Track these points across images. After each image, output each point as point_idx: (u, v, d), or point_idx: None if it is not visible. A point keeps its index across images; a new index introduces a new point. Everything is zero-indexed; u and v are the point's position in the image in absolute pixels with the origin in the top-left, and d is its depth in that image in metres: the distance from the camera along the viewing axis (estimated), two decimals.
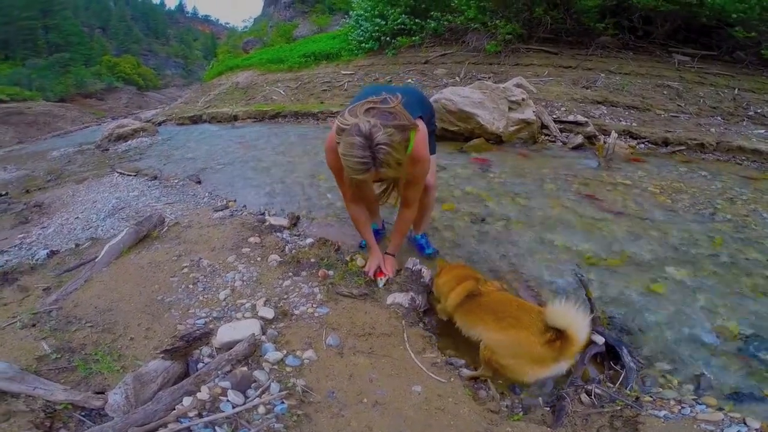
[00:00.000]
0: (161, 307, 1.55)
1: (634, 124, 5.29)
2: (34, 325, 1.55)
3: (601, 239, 2.35)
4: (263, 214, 2.54)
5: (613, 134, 4.60)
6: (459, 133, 4.46)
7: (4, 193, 4.61)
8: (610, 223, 2.56)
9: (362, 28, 9.31)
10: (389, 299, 1.58)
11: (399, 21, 8.75)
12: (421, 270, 1.73)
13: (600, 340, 1.50)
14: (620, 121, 5.37)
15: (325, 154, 1.67)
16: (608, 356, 1.50)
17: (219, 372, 1.24)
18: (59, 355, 1.39)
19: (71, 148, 7.60)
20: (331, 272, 1.78)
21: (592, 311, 1.62)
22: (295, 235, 2.20)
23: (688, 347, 1.58)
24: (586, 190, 3.10)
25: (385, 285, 1.71)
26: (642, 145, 4.84)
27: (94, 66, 36.69)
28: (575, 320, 1.11)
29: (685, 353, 1.55)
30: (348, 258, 1.96)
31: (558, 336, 1.13)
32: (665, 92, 6.12)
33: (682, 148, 4.72)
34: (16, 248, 2.73)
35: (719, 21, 6.32)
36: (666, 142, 4.84)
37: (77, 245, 2.53)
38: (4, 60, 31.80)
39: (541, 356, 1.15)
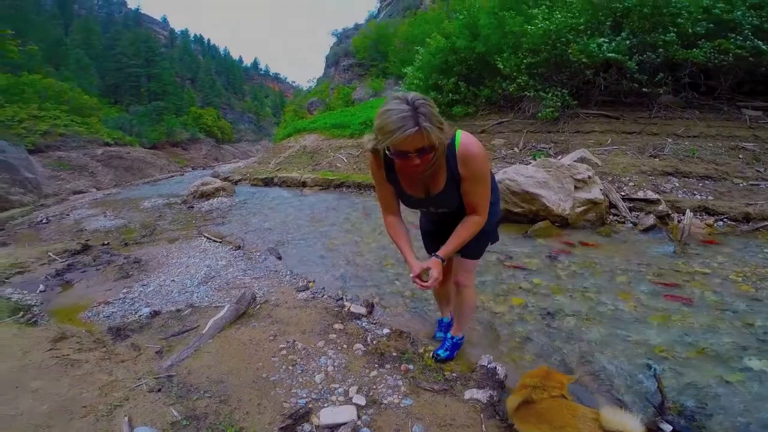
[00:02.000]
0: (267, 385, 1.90)
1: (709, 197, 5.11)
2: (159, 390, 1.94)
3: (677, 332, 2.41)
4: (341, 299, 2.95)
5: (688, 213, 4.47)
6: (523, 215, 4.57)
7: (106, 243, 5.50)
8: (687, 315, 2.60)
9: None
10: (467, 395, 1.80)
11: (453, 88, 9.35)
12: (495, 368, 1.94)
13: (668, 428, 1.64)
14: (694, 194, 5.23)
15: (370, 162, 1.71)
16: None
17: None
18: (188, 422, 1.74)
19: (160, 200, 8.92)
20: (411, 366, 2.06)
21: (662, 401, 1.75)
22: (373, 323, 2.55)
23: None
24: (660, 282, 3.12)
25: (431, 285, 1.64)
26: (720, 223, 4.64)
27: (182, 116, 41.22)
28: (630, 423, 1.25)
29: None
30: (422, 350, 2.24)
31: None
32: (740, 156, 5.89)
33: (767, 223, 4.45)
34: (120, 302, 3.29)
35: None
36: (747, 218, 4.60)
37: (178, 310, 3.03)
38: (114, 104, 36.92)
39: None
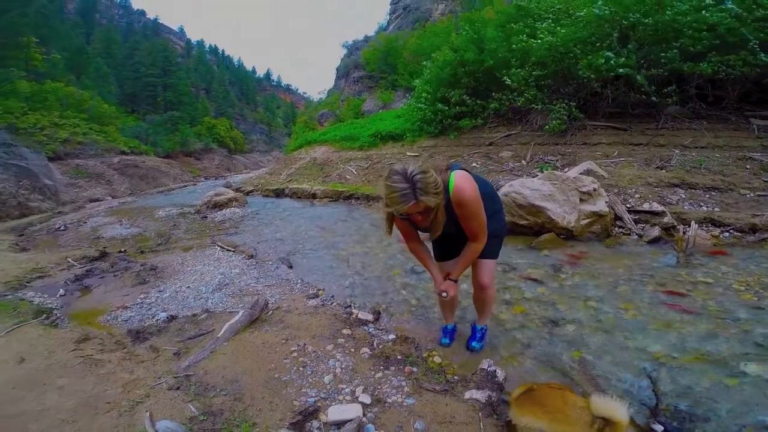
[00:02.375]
0: (279, 384, 2.02)
1: (716, 209, 5.10)
2: (178, 388, 2.06)
3: (676, 340, 2.47)
4: (350, 306, 3.08)
5: (693, 225, 4.51)
6: (528, 227, 4.65)
7: (123, 250, 5.71)
8: (687, 324, 2.66)
9: (423, 111, 10.25)
10: (467, 395, 1.90)
11: (460, 101, 9.49)
12: (495, 371, 2.03)
13: (660, 428, 1.72)
14: (700, 206, 5.23)
15: None
16: None
17: None
18: (205, 418, 1.86)
19: (174, 209, 9.17)
20: (414, 369, 2.17)
21: (656, 403, 1.85)
22: (379, 329, 2.67)
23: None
24: (662, 293, 3.17)
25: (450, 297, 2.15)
26: (726, 234, 4.63)
27: (196, 126, 41.74)
28: (616, 408, 1.34)
29: None
30: (426, 354, 2.36)
31: (605, 423, 1.36)
32: (748, 166, 5.86)
33: None
34: (138, 306, 3.44)
35: None
36: (754, 229, 4.58)
37: (194, 315, 3.17)
38: (131, 113, 37.43)
39: None
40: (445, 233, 2.00)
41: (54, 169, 15.62)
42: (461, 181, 1.88)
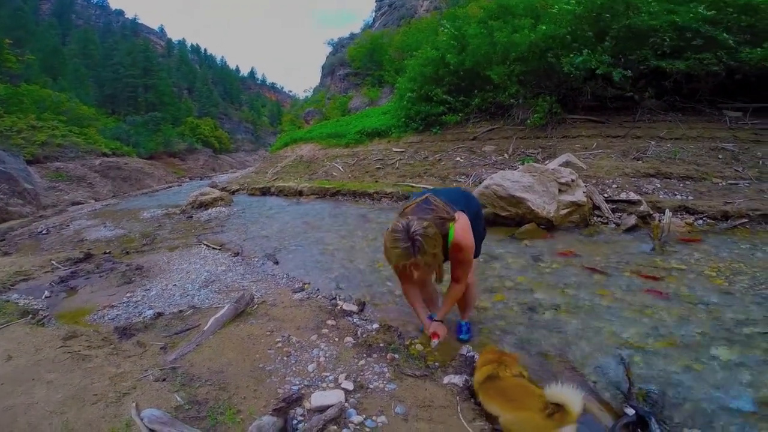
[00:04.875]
0: (263, 374, 2.07)
1: (690, 197, 5.29)
2: (164, 380, 2.10)
3: (649, 325, 2.57)
4: (335, 298, 3.13)
5: (668, 213, 4.66)
6: (510, 218, 4.76)
7: (108, 251, 5.66)
8: (660, 309, 2.76)
9: (408, 109, 10.33)
10: (446, 380, 1.98)
11: (442, 100, 9.62)
12: (474, 356, 2.12)
13: (631, 411, 1.81)
14: (675, 195, 5.42)
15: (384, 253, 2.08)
16: (640, 426, 1.75)
17: (314, 429, 1.69)
18: (190, 407, 1.90)
19: (159, 210, 9.09)
20: (396, 356, 2.24)
21: (629, 387, 1.93)
22: (363, 320, 2.74)
23: (723, 415, 1.78)
24: (637, 279, 3.29)
25: (437, 346, 2.25)
26: (700, 221, 4.81)
27: (179, 126, 41.06)
28: (568, 395, 1.46)
29: (720, 421, 1.75)
30: (408, 342, 2.42)
31: (557, 409, 1.48)
32: (720, 156, 6.06)
33: (744, 220, 4.62)
34: (125, 305, 3.46)
35: (760, 75, 6.33)
36: (726, 216, 4.75)
37: (181, 311, 3.19)
38: (111, 114, 36.62)
39: (545, 426, 1.49)
40: None
41: (33, 173, 15.26)
42: (461, 231, 2.02)
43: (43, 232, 8.69)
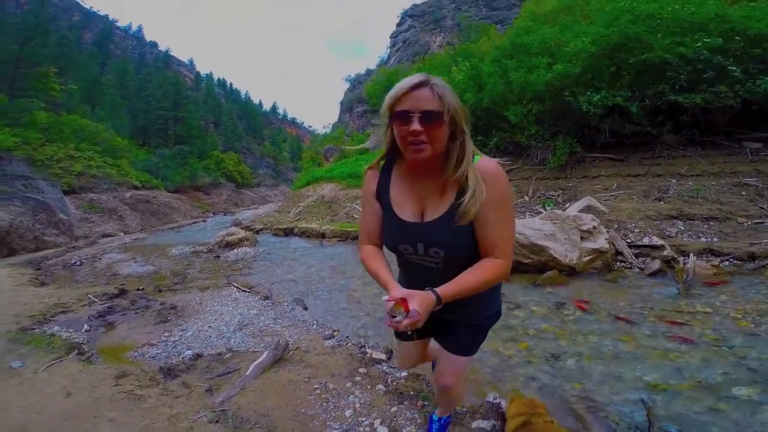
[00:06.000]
0: (306, 418, 2.26)
1: (714, 239, 5.29)
2: (217, 421, 2.29)
3: (672, 368, 2.66)
4: (364, 346, 3.33)
5: (692, 257, 4.72)
6: (532, 266, 4.84)
7: (141, 288, 5.97)
8: (684, 353, 2.85)
9: None
10: (474, 424, 2.12)
11: None
12: (500, 402, 2.26)
13: None
14: (699, 237, 5.43)
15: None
16: None
17: None
18: None
19: (187, 248, 9.55)
20: (426, 402, 2.39)
21: (650, 427, 2.03)
22: (392, 367, 2.89)
23: None
24: (660, 324, 3.38)
25: (405, 326, 1.11)
26: (726, 263, 4.81)
27: (205, 159, 41.80)
28: None
29: None
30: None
31: None
32: (743, 193, 6.05)
33: None
34: (163, 344, 3.67)
35: None
36: (752, 257, 4.76)
37: (219, 354, 3.40)
38: (142, 145, 37.53)
39: None
40: (434, 247, 1.28)
41: (69, 204, 16.16)
42: (490, 159, 1.27)
43: (77, 263, 9.19)
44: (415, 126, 1.15)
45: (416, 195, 1.32)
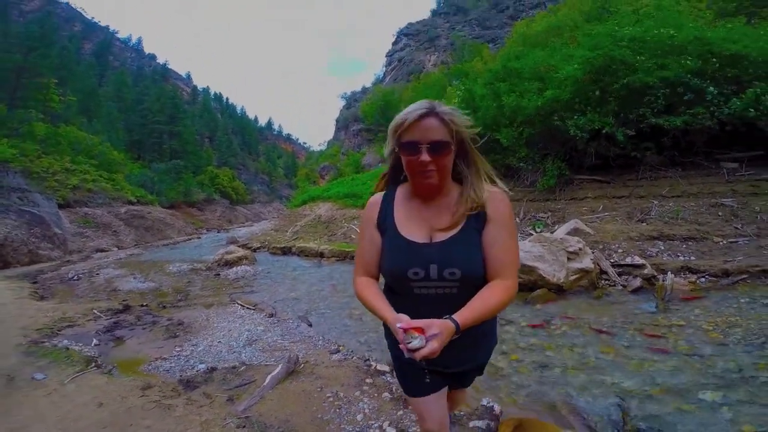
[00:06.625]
0: (322, 422, 2.55)
1: (692, 258, 5.71)
2: (244, 426, 2.56)
3: (647, 376, 3.01)
4: (368, 360, 3.63)
5: (670, 275, 5.13)
6: (523, 284, 5.20)
7: (145, 304, 6.14)
8: (658, 362, 3.21)
9: None
10: (471, 424, 2.44)
11: None
12: (492, 406, 2.59)
13: None
14: (678, 256, 5.85)
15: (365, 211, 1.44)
16: None
17: None
18: None
19: (185, 265, 9.76)
20: None
21: (623, 425, 2.38)
22: (396, 378, 3.16)
23: None
24: (639, 336, 3.75)
25: (418, 350, 0.99)
26: (703, 279, 5.21)
27: (199, 174, 40.97)
28: None
29: None
30: None
31: None
32: (720, 213, 6.48)
33: (744, 276, 5.01)
34: (176, 358, 3.89)
35: (747, 124, 6.81)
36: (727, 273, 5.14)
37: (234, 367, 3.65)
38: (137, 159, 36.77)
39: None
40: (449, 268, 1.20)
41: (63, 218, 16.16)
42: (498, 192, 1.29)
43: (74, 278, 9.29)
44: (424, 157, 1.16)
45: (423, 217, 1.29)
